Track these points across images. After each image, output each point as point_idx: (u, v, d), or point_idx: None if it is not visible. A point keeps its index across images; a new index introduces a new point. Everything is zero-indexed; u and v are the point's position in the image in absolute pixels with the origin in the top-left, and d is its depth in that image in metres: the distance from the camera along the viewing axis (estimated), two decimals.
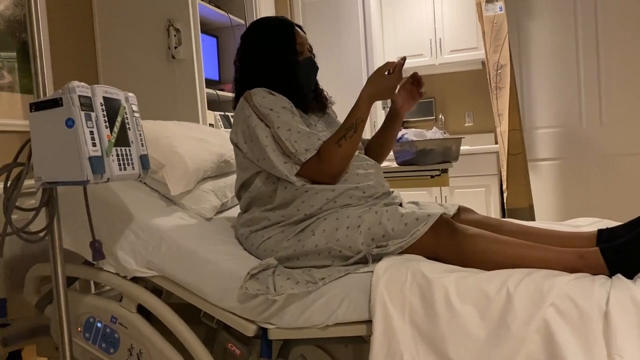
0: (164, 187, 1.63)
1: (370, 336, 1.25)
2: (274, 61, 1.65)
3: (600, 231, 1.48)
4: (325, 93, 1.80)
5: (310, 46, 1.72)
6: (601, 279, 1.19)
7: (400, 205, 1.67)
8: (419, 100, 1.73)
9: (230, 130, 1.68)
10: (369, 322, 1.28)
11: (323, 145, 1.53)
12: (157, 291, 1.53)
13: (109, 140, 1.18)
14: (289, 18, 1.73)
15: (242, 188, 1.65)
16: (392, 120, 1.81)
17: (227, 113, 3.00)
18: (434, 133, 2.76)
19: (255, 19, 3.23)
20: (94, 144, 1.14)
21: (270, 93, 1.59)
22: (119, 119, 1.23)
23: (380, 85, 1.56)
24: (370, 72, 4.20)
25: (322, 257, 1.46)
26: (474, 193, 4.03)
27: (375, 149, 1.83)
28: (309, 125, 1.61)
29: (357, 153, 1.64)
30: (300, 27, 1.73)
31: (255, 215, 1.58)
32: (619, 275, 1.20)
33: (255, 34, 1.70)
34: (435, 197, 4.07)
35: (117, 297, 1.53)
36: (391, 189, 1.68)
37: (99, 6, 2.76)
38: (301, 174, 1.52)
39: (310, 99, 1.72)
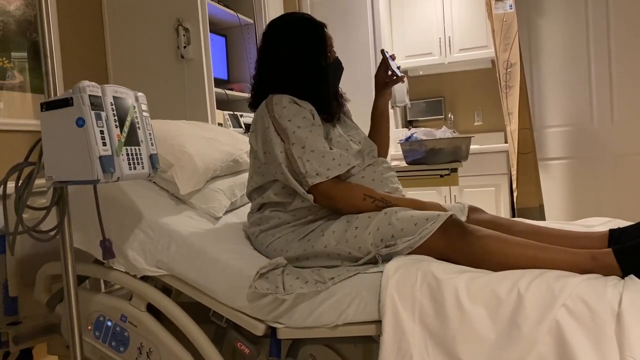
0: (173, 186, 1.64)
1: (379, 336, 1.24)
2: (303, 64, 1.59)
3: (612, 231, 1.47)
4: (340, 91, 1.77)
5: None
6: (613, 279, 1.18)
7: None
8: (392, 82, 1.81)
9: (239, 129, 1.67)
10: (378, 322, 1.27)
11: (351, 184, 1.51)
12: (167, 290, 1.54)
13: (119, 140, 1.18)
14: None
15: (255, 191, 1.63)
16: (379, 114, 1.86)
17: (236, 112, 3.00)
18: (444, 132, 2.75)
19: (264, 18, 3.26)
20: (104, 143, 1.14)
21: (293, 102, 1.54)
22: (128, 118, 1.23)
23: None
24: None
25: (331, 258, 1.45)
26: (483, 192, 4.01)
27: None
28: (328, 132, 1.59)
29: (369, 153, 1.64)
30: (325, 26, 1.69)
31: (265, 214, 1.58)
32: (632, 276, 1.19)
33: (282, 32, 1.63)
34: (445, 196, 4.06)
35: (127, 296, 1.54)
36: (399, 187, 1.67)
37: (109, 6, 2.77)
38: (309, 193, 1.49)
39: (335, 105, 1.68)
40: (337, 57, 1.68)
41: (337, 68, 1.68)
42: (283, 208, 1.55)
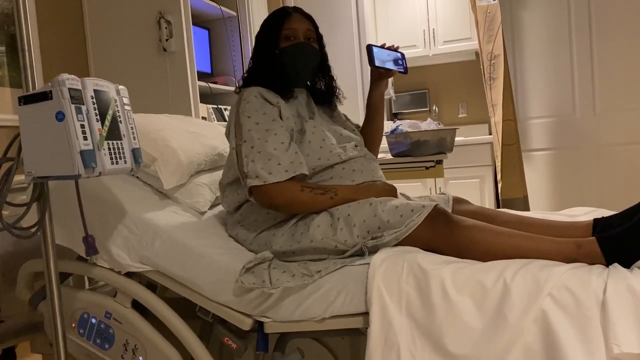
0: (156, 181, 1.62)
1: (367, 328, 1.24)
2: (257, 52, 1.69)
3: (596, 220, 1.48)
4: (334, 83, 1.78)
5: (314, 32, 1.69)
6: (598, 268, 1.19)
7: None
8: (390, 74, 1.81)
9: (223, 123, 1.66)
10: (365, 314, 1.27)
11: (287, 183, 1.44)
12: (152, 286, 1.52)
13: (100, 134, 1.16)
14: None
15: (231, 185, 1.60)
16: (375, 111, 1.86)
17: (219, 106, 2.97)
18: (428, 124, 2.75)
19: (248, 11, 3.23)
20: (85, 138, 1.12)
21: (260, 96, 1.56)
22: (110, 112, 1.21)
23: (382, 195, 1.51)
24: (364, 63, 4.15)
25: (317, 251, 1.44)
26: (468, 184, 4.03)
27: (366, 142, 1.79)
28: (302, 126, 1.57)
29: (353, 145, 1.64)
30: (304, 13, 1.69)
31: (244, 211, 1.56)
32: (616, 265, 1.20)
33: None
34: (430, 188, 4.08)
35: (111, 293, 1.52)
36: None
37: None
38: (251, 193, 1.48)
39: (302, 84, 1.71)
40: (301, 42, 1.64)
41: (295, 52, 1.63)
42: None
